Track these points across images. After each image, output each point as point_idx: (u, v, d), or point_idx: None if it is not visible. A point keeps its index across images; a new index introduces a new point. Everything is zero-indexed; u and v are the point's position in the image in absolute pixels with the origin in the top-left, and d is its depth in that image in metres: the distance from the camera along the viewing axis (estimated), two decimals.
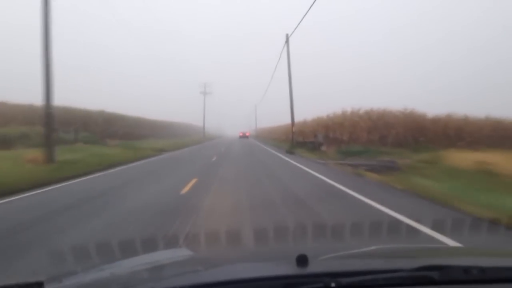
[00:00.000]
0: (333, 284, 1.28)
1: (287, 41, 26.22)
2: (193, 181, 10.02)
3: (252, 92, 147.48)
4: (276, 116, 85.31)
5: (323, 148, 21.63)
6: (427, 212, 6.10)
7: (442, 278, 1.34)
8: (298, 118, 41.35)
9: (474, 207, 5.91)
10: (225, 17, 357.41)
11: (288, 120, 52.84)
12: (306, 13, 19.17)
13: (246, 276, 1.47)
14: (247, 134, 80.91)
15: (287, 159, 18.58)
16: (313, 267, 1.44)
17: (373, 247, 2.12)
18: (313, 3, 16.47)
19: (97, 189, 9.65)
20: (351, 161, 16.17)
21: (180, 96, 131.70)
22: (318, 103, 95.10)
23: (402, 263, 1.58)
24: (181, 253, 2.60)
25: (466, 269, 1.38)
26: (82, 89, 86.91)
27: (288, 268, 1.51)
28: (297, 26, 23.83)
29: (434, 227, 4.68)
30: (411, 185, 8.64)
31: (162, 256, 2.37)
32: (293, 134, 26.05)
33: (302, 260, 1.42)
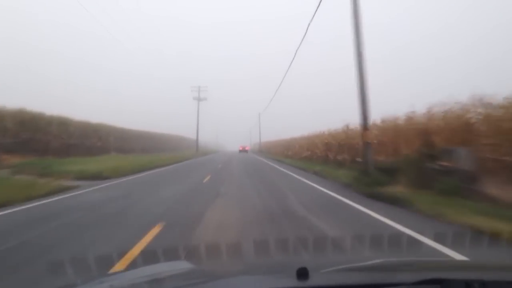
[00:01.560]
0: None
1: None
2: None
3: (254, 106, 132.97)
4: (281, 131, 72.02)
5: (489, 189, 7.20)
6: None
7: None
8: (333, 125, 27.03)
9: None
10: (224, 29, 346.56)
11: (304, 132, 38.19)
12: None
13: None
14: (246, 148, 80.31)
15: None
16: (314, 280, 1.40)
17: (374, 261, 1.99)
18: None
19: None
20: None
21: (177, 109, 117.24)
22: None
23: (404, 277, 1.54)
24: (181, 265, 2.39)
25: (468, 283, 1.36)
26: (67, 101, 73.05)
27: (288, 281, 1.46)
28: None
29: None
30: None
31: (162, 268, 2.24)
32: (367, 146, 11.38)
33: (302, 273, 1.39)
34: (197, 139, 66.26)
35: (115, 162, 23.26)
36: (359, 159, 18.19)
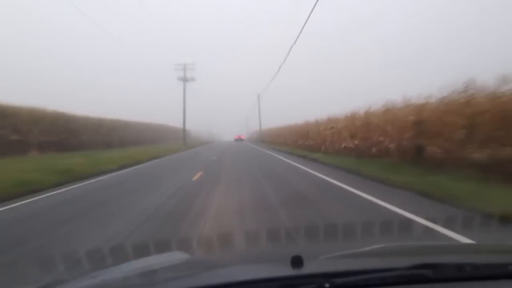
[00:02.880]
0: (327, 285, 1.26)
1: None
2: None
3: (251, 94, 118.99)
4: (283, 119, 60.07)
5: None
6: None
7: (436, 275, 1.33)
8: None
9: None
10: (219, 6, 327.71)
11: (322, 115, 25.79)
12: None
13: (241, 279, 1.42)
14: (242, 137, 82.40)
15: None
16: (308, 268, 1.38)
17: (369, 247, 1.93)
18: None
19: None
20: None
21: (168, 99, 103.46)
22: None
23: (397, 262, 1.52)
24: (176, 256, 2.37)
25: (460, 267, 1.36)
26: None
27: (282, 270, 1.44)
28: None
29: None
30: None
31: (156, 260, 2.19)
32: None
33: (297, 261, 1.37)
34: (184, 129, 53.61)
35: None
36: None
